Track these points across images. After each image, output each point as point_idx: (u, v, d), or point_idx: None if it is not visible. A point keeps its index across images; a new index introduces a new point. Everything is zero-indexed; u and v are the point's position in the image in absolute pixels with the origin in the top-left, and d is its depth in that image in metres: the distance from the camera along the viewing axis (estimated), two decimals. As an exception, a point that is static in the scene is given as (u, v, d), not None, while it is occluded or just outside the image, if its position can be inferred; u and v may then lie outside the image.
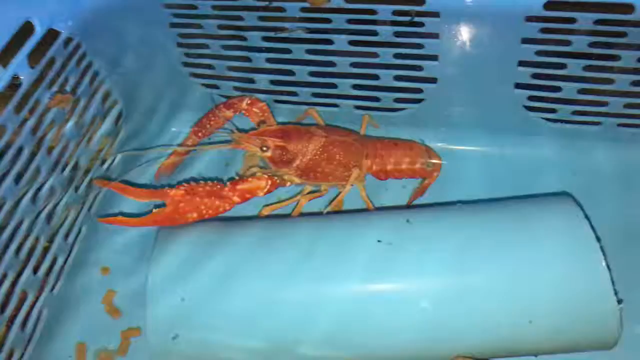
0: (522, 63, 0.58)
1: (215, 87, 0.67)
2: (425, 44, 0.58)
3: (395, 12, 0.55)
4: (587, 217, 0.50)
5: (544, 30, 0.54)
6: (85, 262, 0.60)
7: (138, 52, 0.63)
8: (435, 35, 0.57)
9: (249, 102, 0.63)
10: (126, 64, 0.62)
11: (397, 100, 0.65)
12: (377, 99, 0.65)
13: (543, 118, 0.63)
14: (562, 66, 0.57)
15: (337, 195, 0.61)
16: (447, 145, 0.66)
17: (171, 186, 0.54)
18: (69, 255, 0.59)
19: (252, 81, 0.65)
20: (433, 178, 0.63)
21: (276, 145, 0.59)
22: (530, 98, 0.61)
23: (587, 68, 0.57)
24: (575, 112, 0.62)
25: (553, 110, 0.62)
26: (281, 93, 0.66)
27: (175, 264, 0.50)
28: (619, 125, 0.62)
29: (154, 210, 0.53)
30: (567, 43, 0.55)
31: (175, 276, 0.50)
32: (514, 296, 0.47)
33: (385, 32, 0.57)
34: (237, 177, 0.57)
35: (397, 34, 0.57)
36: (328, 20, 0.57)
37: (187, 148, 0.64)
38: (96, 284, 0.59)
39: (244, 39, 0.61)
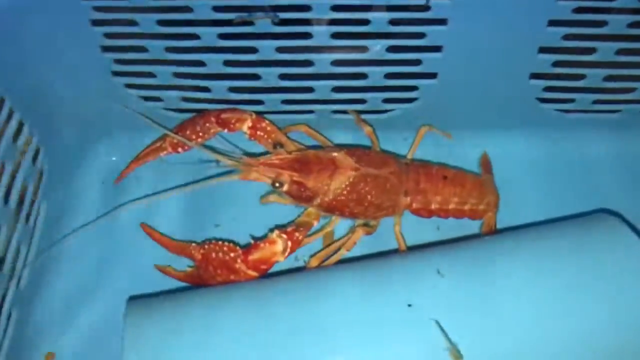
0: (543, 49, 0.47)
1: (158, 99, 0.52)
2: (428, 32, 0.46)
3: (394, -6, 0.43)
4: None
5: (577, 10, 0.44)
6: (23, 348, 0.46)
7: (50, 63, 0.48)
8: (442, 22, 0.45)
9: (250, 123, 0.49)
10: (37, 82, 0.46)
11: (386, 100, 0.53)
12: (362, 101, 0.53)
13: (558, 110, 0.54)
14: (592, 51, 0.47)
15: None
16: (443, 148, 0.55)
17: (197, 242, 0.47)
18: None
19: (206, 90, 0.51)
20: (489, 219, 0.51)
21: (293, 180, 0.46)
22: (546, 89, 0.51)
23: (620, 52, 0.47)
24: (596, 102, 0.53)
25: (571, 101, 0.53)
26: (242, 102, 0.52)
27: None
28: (642, 112, 0.54)
29: (187, 269, 0.48)
30: (602, 24, 0.45)
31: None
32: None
33: (379, 21, 0.45)
34: (252, 241, 0.46)
35: (394, 22, 0.45)
36: (307, 8, 0.44)
37: (180, 189, 0.50)
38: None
39: (195, 37, 0.47)
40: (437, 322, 0.38)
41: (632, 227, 0.43)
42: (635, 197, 0.53)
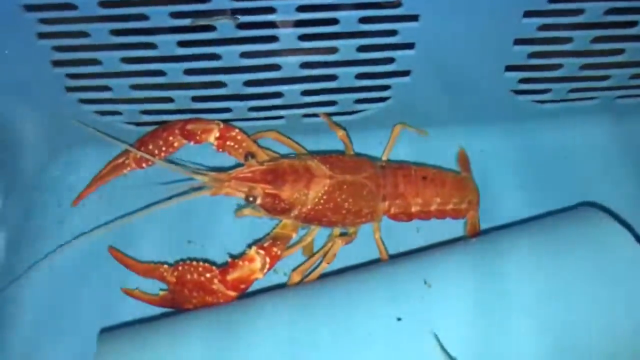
0: (519, 41, 0.46)
1: (117, 113, 0.49)
2: (400, 29, 0.44)
3: (363, -9, 0.41)
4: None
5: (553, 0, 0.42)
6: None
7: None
8: (414, 18, 0.43)
9: (218, 134, 0.47)
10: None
11: (359, 101, 0.51)
12: (333, 103, 0.50)
13: (534, 101, 0.52)
14: (568, 40, 0.46)
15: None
16: (419, 147, 0.53)
17: (169, 263, 0.45)
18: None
19: (168, 100, 0.48)
20: (472, 218, 0.49)
21: (267, 193, 0.44)
22: (522, 80, 0.50)
23: (596, 40, 0.46)
24: (572, 90, 0.51)
25: (547, 91, 0.51)
26: (207, 111, 0.49)
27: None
28: (617, 97, 0.53)
29: (160, 293, 0.44)
30: (578, 12, 0.43)
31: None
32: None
33: (349, 19, 0.43)
34: (229, 259, 0.44)
35: (364, 20, 0.43)
36: (271, 10, 0.42)
37: (147, 210, 0.46)
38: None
39: (152, 46, 0.44)
40: (436, 335, 0.36)
41: (617, 218, 0.42)
42: (617, 185, 0.53)
